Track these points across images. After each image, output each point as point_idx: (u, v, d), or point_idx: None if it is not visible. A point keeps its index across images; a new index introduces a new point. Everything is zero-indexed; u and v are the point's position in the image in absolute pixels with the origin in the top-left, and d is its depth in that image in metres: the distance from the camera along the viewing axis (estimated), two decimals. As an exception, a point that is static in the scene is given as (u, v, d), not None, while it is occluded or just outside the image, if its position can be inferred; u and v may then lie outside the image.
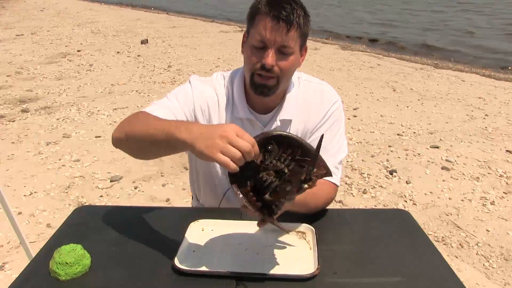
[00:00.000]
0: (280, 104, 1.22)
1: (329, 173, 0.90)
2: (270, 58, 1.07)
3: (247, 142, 0.82)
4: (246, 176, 0.87)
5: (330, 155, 1.18)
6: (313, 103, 1.23)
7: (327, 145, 1.20)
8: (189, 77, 1.26)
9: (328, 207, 1.21)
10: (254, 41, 1.09)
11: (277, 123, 1.21)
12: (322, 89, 1.27)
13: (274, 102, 1.21)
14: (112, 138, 1.09)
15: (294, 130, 1.23)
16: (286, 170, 0.87)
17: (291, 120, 1.22)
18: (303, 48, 1.16)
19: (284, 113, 1.21)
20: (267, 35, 1.06)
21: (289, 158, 0.89)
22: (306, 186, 0.81)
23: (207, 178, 1.31)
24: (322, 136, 0.82)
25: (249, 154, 0.82)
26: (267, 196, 0.85)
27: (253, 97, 1.19)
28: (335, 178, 1.20)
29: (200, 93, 1.21)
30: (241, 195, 0.86)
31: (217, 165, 1.26)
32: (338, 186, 1.24)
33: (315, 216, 1.16)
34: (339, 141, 1.25)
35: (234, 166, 0.81)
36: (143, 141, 0.99)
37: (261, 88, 1.12)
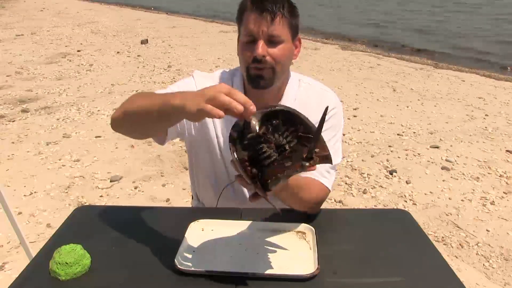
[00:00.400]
0: (279, 100, 1.22)
1: (329, 158, 0.87)
2: (260, 48, 1.08)
3: (239, 96, 0.79)
4: (244, 146, 0.84)
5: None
6: (312, 106, 1.22)
7: (333, 145, 1.20)
8: (192, 73, 1.27)
9: (328, 207, 1.21)
10: (243, 37, 1.12)
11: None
12: (323, 93, 1.26)
13: (273, 100, 1.21)
14: (111, 120, 1.09)
15: None
16: (287, 147, 0.85)
17: None
18: (295, 39, 1.17)
19: None
20: (253, 28, 1.09)
21: (291, 135, 0.87)
22: (307, 164, 0.79)
23: (207, 173, 1.31)
24: (326, 109, 0.81)
25: (237, 106, 0.77)
26: (254, 170, 0.81)
27: (252, 95, 1.18)
28: (327, 182, 1.20)
29: (202, 86, 1.20)
30: (235, 156, 0.81)
31: (218, 160, 1.26)
32: (329, 190, 1.22)
33: (315, 216, 1.16)
34: (333, 146, 1.21)
35: (220, 113, 0.76)
36: (140, 114, 0.98)
37: (258, 79, 1.12)
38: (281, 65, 1.13)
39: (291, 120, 0.88)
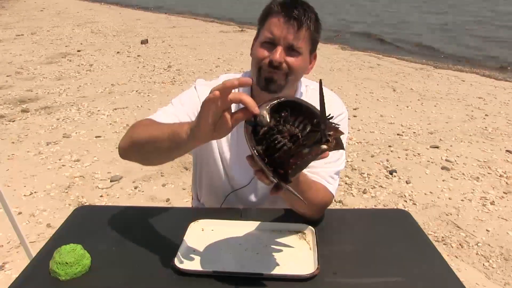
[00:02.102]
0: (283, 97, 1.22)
1: (341, 144, 0.84)
2: (278, 54, 1.07)
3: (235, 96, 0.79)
4: (258, 141, 0.83)
5: (327, 162, 1.15)
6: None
7: (336, 154, 1.19)
8: (195, 82, 1.25)
9: (328, 207, 1.21)
10: (263, 38, 1.10)
11: None
12: (330, 99, 1.25)
13: None
14: (118, 149, 1.08)
15: None
16: (300, 135, 0.83)
17: None
18: (312, 54, 1.16)
19: None
20: (277, 32, 1.07)
21: (302, 124, 0.86)
22: (324, 146, 0.79)
23: (209, 181, 1.31)
24: (320, 81, 0.78)
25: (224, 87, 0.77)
26: (286, 147, 0.80)
27: (261, 99, 1.18)
28: (331, 187, 1.18)
29: (205, 96, 1.19)
30: (255, 151, 0.80)
31: (220, 168, 1.26)
32: (333, 196, 1.20)
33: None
34: (339, 151, 1.20)
35: (216, 93, 0.76)
36: (148, 144, 0.97)
37: (269, 81, 1.10)
38: (294, 76, 1.12)
39: (298, 110, 0.88)
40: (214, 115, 0.78)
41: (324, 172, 1.17)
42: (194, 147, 0.89)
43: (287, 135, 0.83)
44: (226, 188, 1.28)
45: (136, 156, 1.05)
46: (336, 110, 1.24)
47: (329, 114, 0.80)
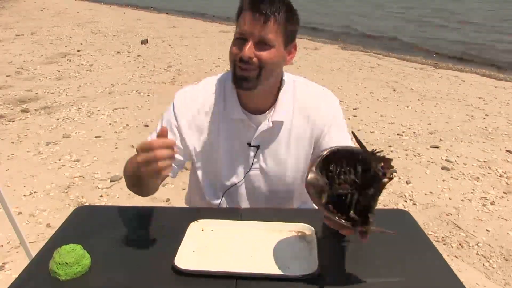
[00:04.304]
0: (274, 105, 1.22)
1: (390, 165, 0.89)
2: (247, 49, 1.08)
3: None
4: (326, 203, 0.90)
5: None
6: (315, 107, 1.24)
7: (348, 142, 1.23)
8: (175, 96, 1.26)
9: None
10: (236, 35, 1.12)
11: (269, 124, 1.21)
12: (321, 91, 1.28)
13: (267, 102, 1.21)
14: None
15: (296, 135, 1.23)
16: (357, 180, 0.90)
17: (282, 121, 1.22)
18: (289, 45, 1.16)
19: (276, 115, 1.21)
20: (245, 27, 1.08)
21: (352, 167, 0.91)
22: (385, 180, 0.84)
23: (202, 182, 1.31)
24: (353, 133, 0.87)
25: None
26: (352, 214, 0.87)
27: (245, 96, 1.20)
28: None
29: (183, 108, 1.22)
30: (340, 219, 0.86)
31: (215, 167, 1.27)
32: None
33: (315, 216, 1.16)
34: (348, 138, 1.27)
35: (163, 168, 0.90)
36: (129, 178, 1.14)
37: (241, 80, 1.12)
38: (267, 70, 1.11)
39: (342, 155, 0.93)
40: (147, 172, 0.91)
41: None
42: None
43: (348, 186, 0.90)
44: (220, 187, 1.29)
45: (132, 189, 1.19)
46: (331, 100, 1.27)
47: (373, 150, 0.87)
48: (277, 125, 1.22)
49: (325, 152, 0.93)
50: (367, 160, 0.86)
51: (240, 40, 1.10)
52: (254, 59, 1.09)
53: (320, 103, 1.24)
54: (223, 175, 1.27)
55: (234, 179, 1.27)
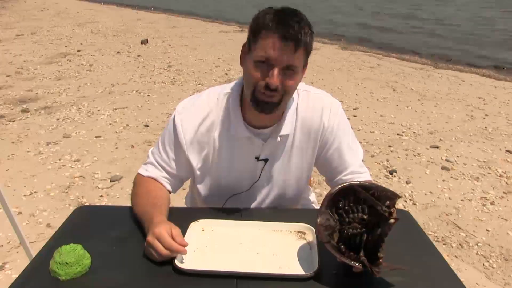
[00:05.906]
0: (280, 119, 1.19)
1: (397, 195, 0.96)
2: (275, 78, 1.03)
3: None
4: (337, 244, 0.94)
5: (354, 155, 1.25)
6: (317, 118, 1.21)
7: (352, 146, 1.25)
8: (175, 111, 1.22)
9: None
10: (258, 57, 1.04)
11: (277, 139, 1.19)
12: (322, 100, 1.24)
13: (275, 119, 1.19)
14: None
15: (299, 146, 1.23)
16: (365, 217, 0.94)
17: (288, 135, 1.21)
18: (307, 64, 1.14)
19: (283, 129, 1.19)
20: (273, 54, 1.02)
21: (358, 204, 0.96)
22: (392, 221, 0.89)
23: (209, 189, 1.30)
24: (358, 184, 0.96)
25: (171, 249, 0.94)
26: (362, 255, 0.91)
27: (251, 112, 1.15)
28: (368, 175, 1.27)
29: (186, 125, 1.19)
30: (352, 261, 0.91)
31: (220, 175, 1.27)
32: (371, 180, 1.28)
33: (315, 216, 1.16)
34: (355, 141, 1.28)
35: (156, 258, 0.96)
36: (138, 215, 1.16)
37: (263, 105, 1.08)
38: (289, 95, 1.11)
39: (348, 193, 0.97)
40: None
41: (354, 167, 1.25)
42: None
43: (357, 224, 0.94)
44: (223, 195, 1.28)
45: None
46: (331, 106, 1.24)
47: (381, 190, 0.95)
48: (283, 138, 1.21)
49: (333, 191, 0.97)
50: (373, 202, 0.93)
51: (262, 64, 1.04)
52: (280, 86, 1.05)
53: (322, 114, 1.21)
54: (228, 187, 1.26)
55: (238, 190, 1.27)
